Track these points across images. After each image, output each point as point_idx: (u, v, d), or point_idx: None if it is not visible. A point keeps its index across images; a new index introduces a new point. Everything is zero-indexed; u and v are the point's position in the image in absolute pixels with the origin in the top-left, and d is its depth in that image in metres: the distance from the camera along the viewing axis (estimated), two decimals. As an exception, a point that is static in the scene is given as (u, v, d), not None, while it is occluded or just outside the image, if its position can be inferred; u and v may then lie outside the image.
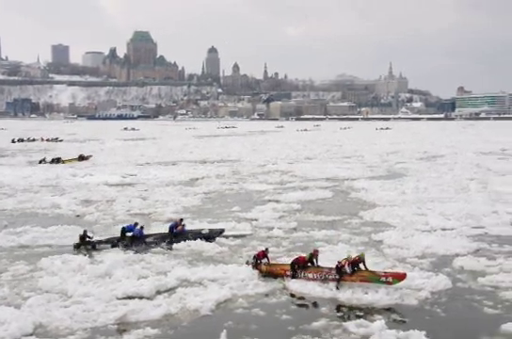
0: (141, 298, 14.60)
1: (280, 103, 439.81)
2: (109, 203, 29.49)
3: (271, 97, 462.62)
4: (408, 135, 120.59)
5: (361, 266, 15.66)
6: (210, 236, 21.23)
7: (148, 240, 20.66)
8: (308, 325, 12.99)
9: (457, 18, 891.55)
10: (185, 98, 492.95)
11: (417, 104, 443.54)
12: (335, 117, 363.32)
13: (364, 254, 16.10)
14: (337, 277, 15.40)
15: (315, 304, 14.55)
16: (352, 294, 14.86)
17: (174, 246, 20.26)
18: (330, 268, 15.85)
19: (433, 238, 20.75)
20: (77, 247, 20.02)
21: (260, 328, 12.99)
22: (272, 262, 17.20)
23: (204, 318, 13.55)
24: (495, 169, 44.69)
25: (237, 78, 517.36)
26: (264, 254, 17.15)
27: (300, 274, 16.04)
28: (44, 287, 15.45)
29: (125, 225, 21.50)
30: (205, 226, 22.90)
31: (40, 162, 52.30)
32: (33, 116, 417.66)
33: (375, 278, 15.17)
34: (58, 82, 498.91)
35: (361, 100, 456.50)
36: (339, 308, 14.27)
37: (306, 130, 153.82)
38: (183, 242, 20.42)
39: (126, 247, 20.05)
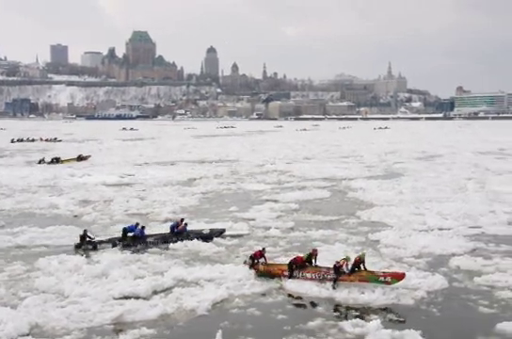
0: (138, 298, 14.60)
1: (278, 102, 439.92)
2: (107, 203, 29.49)
3: (270, 97, 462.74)
4: (406, 134, 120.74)
5: (361, 266, 15.66)
6: (211, 236, 21.26)
7: (149, 240, 20.66)
8: (304, 325, 13.00)
9: (457, 18, 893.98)
10: (184, 98, 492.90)
11: (416, 104, 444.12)
12: (334, 117, 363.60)
13: (365, 254, 16.07)
14: (335, 277, 15.39)
15: (312, 304, 14.57)
16: (348, 293, 14.87)
17: (171, 246, 20.26)
18: (329, 268, 15.85)
19: (430, 238, 20.77)
20: (78, 247, 19.99)
21: (256, 328, 13.00)
22: (269, 262, 17.20)
23: (200, 318, 13.56)
24: (493, 169, 44.76)
25: (236, 78, 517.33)
26: (261, 254, 17.15)
27: (299, 274, 16.03)
28: (41, 287, 15.45)
29: (126, 225, 21.49)
30: (203, 226, 22.94)
31: (40, 162, 52.28)
32: (32, 116, 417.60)
33: (373, 278, 15.17)
34: (57, 82, 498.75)
35: (360, 100, 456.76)
36: (335, 308, 14.28)
37: (305, 130, 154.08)
38: (183, 242, 20.42)
39: (127, 247, 20.06)
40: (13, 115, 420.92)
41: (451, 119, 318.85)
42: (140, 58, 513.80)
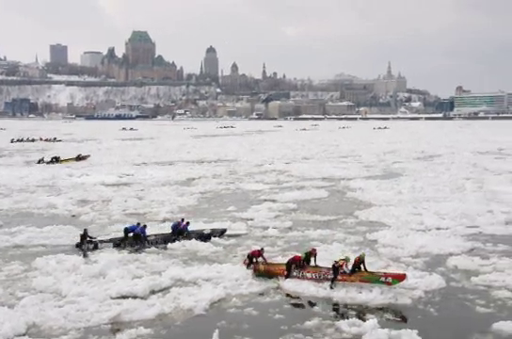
0: (135, 297, 14.61)
1: (278, 102, 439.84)
2: (105, 203, 29.50)
3: (270, 97, 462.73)
4: (405, 134, 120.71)
5: (361, 266, 15.63)
6: (212, 236, 21.31)
7: (150, 239, 20.67)
8: (300, 324, 13.01)
9: (457, 18, 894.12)
10: (184, 98, 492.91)
11: (415, 104, 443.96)
12: (334, 116, 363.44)
13: (364, 255, 16.04)
14: (333, 277, 15.38)
15: (309, 303, 14.58)
16: (346, 293, 14.88)
17: (169, 245, 20.28)
18: (329, 268, 15.82)
19: (427, 238, 20.80)
20: (79, 246, 19.97)
21: (253, 327, 13.01)
22: (268, 261, 17.20)
23: (198, 318, 13.56)
24: (492, 169, 44.78)
25: (236, 78, 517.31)
26: (259, 254, 17.16)
27: (299, 273, 16.01)
28: (38, 287, 15.45)
29: (128, 225, 21.49)
30: (201, 225, 22.94)
31: (39, 162, 52.30)
32: (31, 116, 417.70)
33: (374, 278, 15.12)
34: (57, 82, 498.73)
35: (360, 99, 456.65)
36: (332, 307, 14.30)
37: (305, 129, 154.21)
38: (184, 241, 20.44)
39: (129, 246, 20.09)
40: (13, 115, 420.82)
41: (451, 119, 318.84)
42: (140, 58, 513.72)
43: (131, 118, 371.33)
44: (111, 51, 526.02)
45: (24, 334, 12.43)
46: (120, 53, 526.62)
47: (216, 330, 12.17)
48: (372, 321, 12.72)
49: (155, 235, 21.11)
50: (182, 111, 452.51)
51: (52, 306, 13.96)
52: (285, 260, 16.92)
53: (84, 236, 20.19)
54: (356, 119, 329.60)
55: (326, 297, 14.90)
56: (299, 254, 16.76)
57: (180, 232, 21.13)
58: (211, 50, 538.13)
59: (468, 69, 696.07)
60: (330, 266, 15.74)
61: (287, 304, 14.55)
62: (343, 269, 15.39)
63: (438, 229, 22.54)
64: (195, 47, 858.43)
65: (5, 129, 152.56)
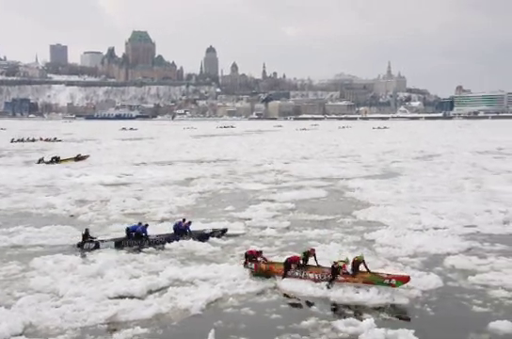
0: (132, 297, 14.60)
1: (278, 102, 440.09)
2: (103, 203, 29.49)
3: (270, 96, 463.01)
4: (405, 134, 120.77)
5: (362, 267, 15.52)
6: (213, 236, 21.33)
7: (152, 238, 20.70)
8: (297, 324, 13.00)
9: (457, 18, 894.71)
10: (184, 98, 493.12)
11: (415, 104, 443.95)
12: (334, 116, 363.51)
13: (362, 256, 15.93)
14: (331, 277, 15.35)
15: (306, 303, 14.56)
16: (343, 293, 14.86)
17: (167, 245, 20.29)
18: (330, 268, 15.76)
19: (425, 237, 20.77)
20: (80, 245, 19.95)
21: (249, 327, 13.00)
22: (268, 260, 17.18)
23: (194, 318, 13.56)
24: (490, 169, 44.78)
25: (236, 78, 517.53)
26: (257, 254, 17.15)
27: (301, 273, 15.96)
28: (36, 287, 15.45)
29: (129, 225, 21.48)
30: (199, 225, 22.91)
31: (39, 162, 52.32)
32: (31, 116, 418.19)
33: (378, 280, 15.00)
34: (57, 82, 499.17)
35: (360, 99, 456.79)
36: (329, 307, 14.27)
37: (305, 129, 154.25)
38: (182, 241, 20.43)
39: (130, 246, 20.11)
40: (13, 115, 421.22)
41: (450, 118, 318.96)
42: (140, 58, 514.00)
43: (131, 118, 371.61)
44: (111, 51, 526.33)
45: (20, 334, 12.43)
46: (120, 53, 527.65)
47: (212, 330, 12.16)
48: (368, 321, 12.70)
49: (157, 236, 21.11)
50: (182, 111, 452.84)
51: (49, 306, 13.96)
52: (283, 259, 16.92)
53: (85, 236, 20.18)
54: (356, 118, 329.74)
55: (323, 296, 14.87)
56: (298, 255, 16.73)
57: (182, 231, 21.13)
58: (211, 50, 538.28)
59: (468, 69, 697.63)
60: (332, 265, 15.66)
61: (284, 304, 14.54)
62: (345, 270, 15.31)
63: (435, 228, 22.50)
64: (195, 47, 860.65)
65: (5, 129, 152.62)
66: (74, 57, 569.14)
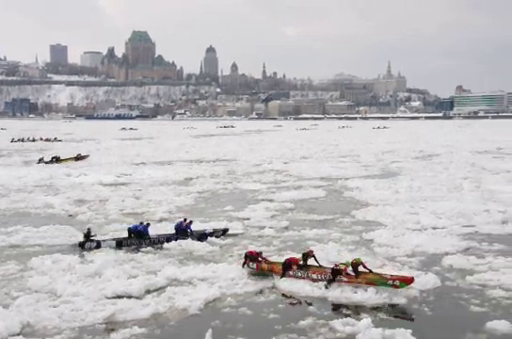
0: (130, 297, 14.60)
1: (278, 102, 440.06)
2: (102, 203, 29.51)
3: (270, 96, 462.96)
4: (404, 134, 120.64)
5: (361, 268, 15.46)
6: (214, 235, 21.34)
7: (153, 237, 20.72)
8: (294, 324, 12.99)
9: (457, 18, 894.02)
10: (184, 98, 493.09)
11: (415, 104, 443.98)
12: (334, 116, 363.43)
13: (359, 259, 15.76)
14: (330, 277, 15.32)
15: (304, 303, 14.56)
16: (341, 293, 14.85)
17: (165, 245, 20.30)
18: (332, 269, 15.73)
19: (423, 237, 20.77)
20: (81, 245, 19.94)
21: (247, 327, 13.00)
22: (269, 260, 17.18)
23: (192, 317, 13.56)
24: (489, 168, 44.73)
25: (236, 78, 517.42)
26: (257, 255, 17.16)
27: (304, 274, 15.94)
28: (34, 287, 15.45)
29: (131, 225, 21.47)
30: (198, 225, 22.90)
31: (39, 161, 52.30)
32: (31, 116, 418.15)
33: (381, 281, 14.91)
34: (57, 82, 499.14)
35: (360, 99, 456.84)
36: (327, 307, 14.26)
37: (305, 129, 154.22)
38: (180, 241, 20.44)
39: (132, 245, 20.12)
40: (13, 115, 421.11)
41: (450, 118, 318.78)
42: (140, 58, 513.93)
43: (131, 118, 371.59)
44: (111, 51, 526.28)
45: (18, 334, 12.42)
46: (119, 53, 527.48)
47: (210, 330, 12.17)
48: (366, 320, 12.70)
49: (158, 235, 21.13)
50: (182, 111, 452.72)
51: (47, 306, 13.96)
52: (282, 259, 16.93)
53: (87, 235, 20.18)
54: (356, 118, 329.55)
55: (321, 296, 14.87)
56: (297, 256, 16.65)
57: (183, 231, 21.14)
58: (211, 50, 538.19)
59: (468, 69, 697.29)
60: (332, 267, 15.60)
61: (282, 304, 14.54)
62: (348, 272, 15.23)
63: (434, 228, 22.51)
64: (195, 47, 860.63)
65: (5, 129, 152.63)
66: (74, 57, 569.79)
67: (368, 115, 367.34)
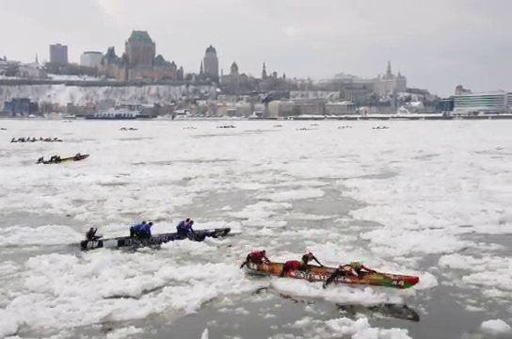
0: (127, 297, 14.60)
1: (278, 102, 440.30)
2: (100, 203, 29.49)
3: (270, 96, 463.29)
4: (404, 134, 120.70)
5: (363, 270, 15.38)
6: (215, 236, 21.36)
7: (155, 237, 20.73)
8: (291, 324, 12.99)
9: (457, 18, 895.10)
10: (184, 98, 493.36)
11: (415, 104, 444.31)
12: (334, 116, 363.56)
13: (359, 263, 15.66)
14: (330, 278, 15.30)
15: (301, 303, 14.54)
16: (338, 292, 14.84)
17: (163, 245, 20.29)
18: (335, 269, 15.61)
19: (421, 237, 20.75)
20: (84, 244, 19.93)
21: (243, 327, 13.00)
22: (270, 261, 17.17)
23: (189, 317, 13.55)
24: (488, 169, 44.70)
25: (236, 78, 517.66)
26: (261, 255, 17.16)
27: (307, 275, 15.89)
28: (31, 287, 15.43)
29: (133, 225, 21.46)
30: (198, 225, 22.86)
31: (39, 161, 52.30)
32: (31, 116, 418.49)
33: (385, 281, 14.84)
34: (57, 82, 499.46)
35: (360, 99, 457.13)
36: (324, 307, 14.24)
37: (305, 129, 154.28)
38: (181, 240, 20.46)
39: (134, 244, 20.14)
40: (13, 115, 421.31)
41: (450, 118, 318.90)
42: (140, 58, 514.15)
43: (131, 117, 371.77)
44: (111, 51, 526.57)
45: (14, 334, 12.40)
46: (119, 53, 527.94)
47: (206, 330, 12.17)
48: (362, 320, 12.69)
49: (160, 235, 21.15)
50: (182, 111, 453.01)
51: (43, 306, 13.95)
52: (280, 259, 16.94)
53: (90, 235, 20.18)
54: (356, 118, 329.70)
55: (318, 296, 14.86)
56: (297, 259, 16.52)
57: (184, 231, 21.16)
58: (211, 50, 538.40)
59: (468, 69, 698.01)
60: (336, 267, 15.53)
61: (278, 304, 14.52)
62: (352, 273, 15.19)
63: (431, 228, 22.50)
64: (195, 47, 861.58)
65: (5, 129, 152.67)
66: (74, 57, 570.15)
67: (368, 115, 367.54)
